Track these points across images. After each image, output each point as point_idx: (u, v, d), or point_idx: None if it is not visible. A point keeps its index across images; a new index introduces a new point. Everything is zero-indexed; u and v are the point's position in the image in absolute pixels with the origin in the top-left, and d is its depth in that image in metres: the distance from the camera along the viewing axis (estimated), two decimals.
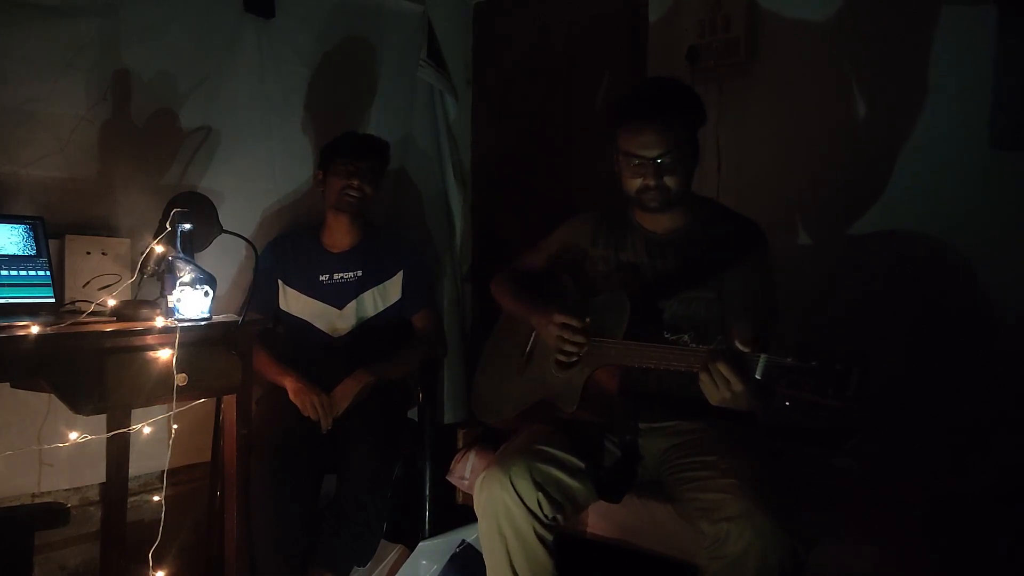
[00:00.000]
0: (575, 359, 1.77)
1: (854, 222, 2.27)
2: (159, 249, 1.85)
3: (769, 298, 1.78)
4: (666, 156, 1.70)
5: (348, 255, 2.40)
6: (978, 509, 1.73)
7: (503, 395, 1.99)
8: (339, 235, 2.41)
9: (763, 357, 1.44)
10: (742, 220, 1.84)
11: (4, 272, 1.77)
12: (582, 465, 1.73)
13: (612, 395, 1.78)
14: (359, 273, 2.39)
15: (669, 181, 1.72)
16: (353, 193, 2.31)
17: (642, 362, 1.66)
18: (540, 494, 1.64)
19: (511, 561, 1.66)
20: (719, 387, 1.48)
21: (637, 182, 1.74)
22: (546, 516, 1.65)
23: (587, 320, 1.75)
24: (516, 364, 1.97)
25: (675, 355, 1.61)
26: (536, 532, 1.65)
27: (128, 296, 1.97)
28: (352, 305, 2.37)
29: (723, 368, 1.47)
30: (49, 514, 1.64)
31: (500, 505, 1.65)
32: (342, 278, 2.38)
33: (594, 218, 1.95)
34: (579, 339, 1.74)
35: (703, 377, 1.50)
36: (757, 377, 1.45)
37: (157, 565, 1.78)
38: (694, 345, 1.73)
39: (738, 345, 1.51)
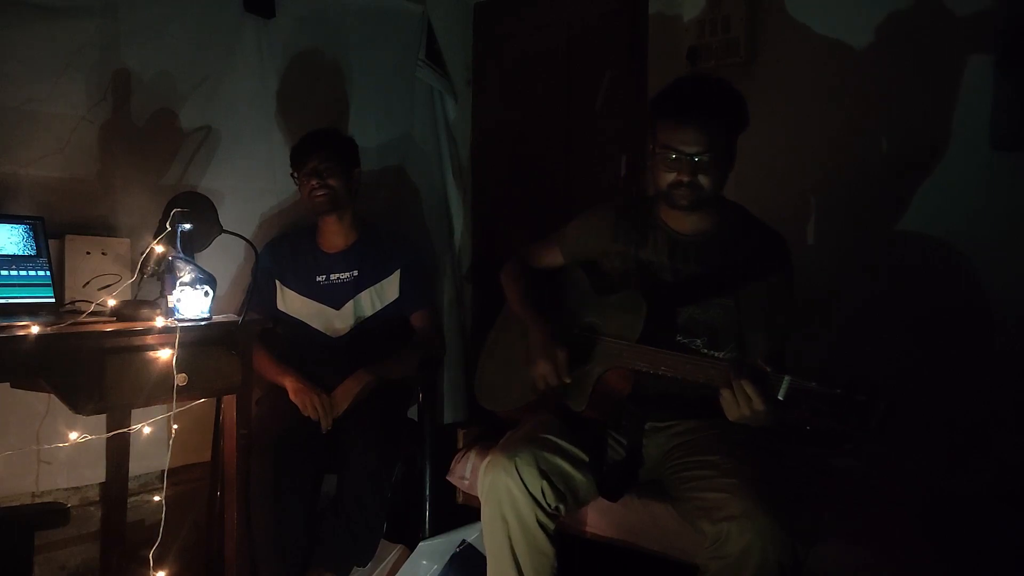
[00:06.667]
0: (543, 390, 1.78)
1: (855, 222, 2.27)
2: (159, 249, 1.85)
3: (787, 313, 1.76)
4: (704, 155, 1.66)
5: (344, 255, 2.40)
6: (978, 509, 1.73)
7: (509, 385, 1.96)
8: (332, 235, 2.41)
9: (787, 379, 1.45)
10: (769, 232, 1.81)
11: (4, 272, 1.77)
12: (586, 458, 1.73)
13: (622, 395, 1.77)
14: (355, 273, 2.38)
15: (703, 180, 1.68)
16: (318, 193, 2.29)
17: (657, 368, 1.66)
18: (544, 482, 1.65)
19: (512, 547, 1.66)
20: (740, 404, 1.49)
21: (671, 176, 1.70)
22: (549, 505, 1.66)
23: (568, 380, 1.74)
24: (522, 353, 1.93)
25: (694, 365, 1.61)
26: (538, 519, 1.65)
27: (128, 296, 1.97)
28: (349, 305, 2.37)
29: (747, 386, 1.47)
30: (49, 514, 1.65)
31: (504, 491, 1.66)
32: (339, 278, 2.38)
33: (614, 212, 1.90)
34: (548, 390, 1.76)
35: (725, 394, 1.51)
36: (780, 398, 1.45)
37: (157, 565, 1.77)
38: (706, 351, 1.72)
39: (759, 363, 1.51)
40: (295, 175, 2.34)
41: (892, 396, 1.34)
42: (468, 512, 2.11)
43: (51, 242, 1.90)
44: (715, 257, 1.77)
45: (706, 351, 1.72)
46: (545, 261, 2.05)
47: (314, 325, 2.37)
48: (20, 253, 1.82)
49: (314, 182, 2.29)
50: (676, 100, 1.71)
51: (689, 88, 1.74)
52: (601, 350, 1.75)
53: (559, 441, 1.73)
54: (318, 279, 2.38)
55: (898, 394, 1.37)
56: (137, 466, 2.08)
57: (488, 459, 1.73)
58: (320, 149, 2.30)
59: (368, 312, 2.38)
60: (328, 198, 2.31)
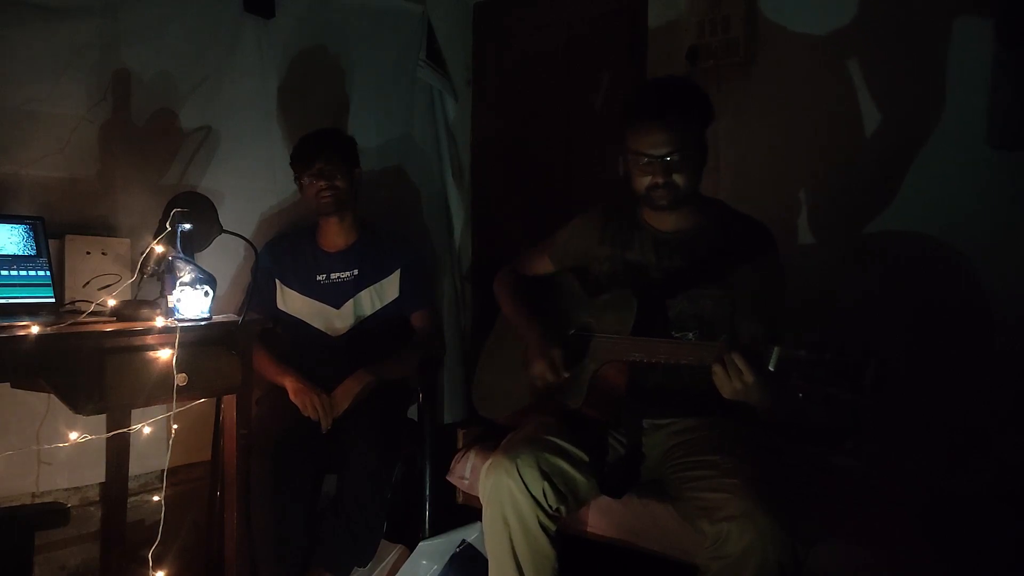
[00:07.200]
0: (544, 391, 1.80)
1: (853, 221, 2.27)
2: (159, 249, 1.85)
3: (777, 299, 1.78)
4: (675, 154, 1.70)
5: (344, 254, 2.40)
6: (978, 509, 1.73)
7: (506, 390, 1.98)
8: (333, 235, 2.41)
9: (776, 349, 1.46)
10: (751, 222, 1.84)
11: (4, 272, 1.77)
12: (586, 458, 1.74)
13: (619, 392, 1.78)
14: (355, 272, 2.38)
15: (678, 179, 1.72)
16: (325, 194, 2.30)
17: (652, 356, 1.67)
18: (546, 484, 1.66)
19: (513, 549, 1.67)
20: (732, 378, 1.49)
21: (646, 180, 1.74)
22: (550, 506, 1.66)
23: (566, 375, 1.76)
24: (518, 358, 1.96)
25: (686, 349, 1.63)
26: (540, 521, 1.66)
27: (128, 296, 1.97)
28: (349, 304, 2.37)
29: (737, 359, 1.48)
30: (49, 514, 1.64)
31: (505, 492, 1.66)
32: (339, 277, 2.38)
33: (601, 217, 1.94)
34: (549, 388, 1.77)
35: (716, 369, 1.51)
36: (770, 369, 1.46)
37: (157, 565, 1.77)
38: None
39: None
40: (298, 176, 2.34)
41: (883, 355, 1.35)
42: (468, 512, 2.12)
43: (51, 242, 1.90)
44: (700, 251, 1.80)
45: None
46: (535, 269, 2.08)
47: (314, 324, 2.37)
48: (20, 253, 1.82)
49: (322, 183, 2.30)
50: (639, 106, 1.75)
51: (650, 92, 1.80)
52: (595, 347, 1.77)
53: (560, 442, 1.73)
54: (318, 278, 2.38)
55: (897, 393, 1.36)
56: (137, 466, 2.08)
57: (489, 461, 1.73)
58: (326, 150, 2.31)
59: (368, 311, 2.38)
60: (335, 199, 2.31)
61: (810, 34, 2.35)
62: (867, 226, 2.25)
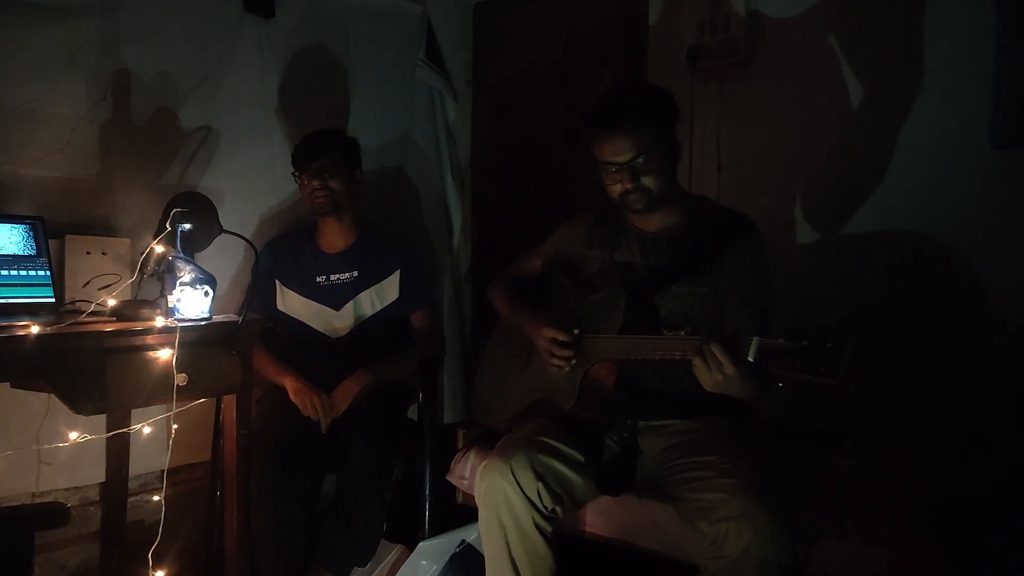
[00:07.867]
0: (566, 368, 1.79)
1: (854, 221, 2.27)
2: (159, 249, 1.85)
3: (764, 289, 1.78)
4: (638, 158, 1.72)
5: (344, 256, 2.40)
6: (979, 509, 1.73)
7: (503, 396, 1.99)
8: (332, 236, 2.41)
9: (755, 339, 1.46)
10: (732, 214, 1.85)
11: (4, 272, 1.77)
12: (582, 459, 1.74)
13: (609, 390, 1.79)
14: (355, 273, 2.38)
15: (647, 181, 1.74)
16: (319, 195, 2.29)
17: (637, 354, 1.69)
18: (540, 485, 1.66)
19: (510, 551, 1.67)
20: (712, 370, 1.50)
21: (617, 187, 1.77)
22: (545, 507, 1.66)
23: (576, 332, 1.76)
24: (515, 365, 1.98)
25: (668, 344, 1.63)
26: (535, 523, 1.66)
27: (128, 296, 1.97)
28: (349, 306, 2.37)
29: (716, 350, 1.48)
30: (49, 514, 1.64)
31: (500, 494, 1.67)
32: (338, 279, 2.38)
33: (589, 220, 1.97)
34: (566, 353, 1.76)
35: (696, 362, 1.52)
36: (750, 359, 1.46)
37: (157, 565, 1.77)
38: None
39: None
40: (297, 174, 2.34)
41: (857, 338, 1.35)
42: (468, 512, 2.11)
43: (51, 242, 1.90)
44: (686, 248, 1.81)
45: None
46: (529, 270, 2.10)
47: (314, 326, 2.37)
48: (20, 253, 1.82)
49: (316, 183, 2.29)
50: (597, 116, 1.77)
51: (607, 102, 1.82)
52: (585, 347, 1.78)
53: (554, 443, 1.74)
54: (318, 280, 2.38)
55: (898, 390, 1.36)
56: (137, 466, 2.08)
57: (484, 464, 1.74)
58: (324, 150, 2.30)
59: (368, 312, 2.38)
60: (330, 200, 2.31)
61: (810, 34, 2.34)
62: (867, 226, 2.25)
